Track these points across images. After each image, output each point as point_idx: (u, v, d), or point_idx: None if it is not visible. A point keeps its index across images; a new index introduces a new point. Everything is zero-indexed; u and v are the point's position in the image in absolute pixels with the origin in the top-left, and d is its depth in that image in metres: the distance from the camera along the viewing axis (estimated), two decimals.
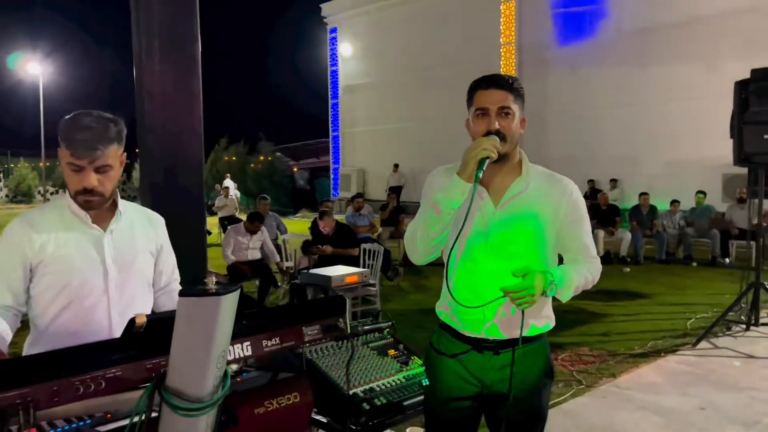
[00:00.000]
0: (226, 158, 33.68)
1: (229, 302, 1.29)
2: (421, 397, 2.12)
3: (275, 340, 1.57)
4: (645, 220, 10.93)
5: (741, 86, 5.35)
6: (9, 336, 1.78)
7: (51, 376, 1.21)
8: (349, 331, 1.73)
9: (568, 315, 6.78)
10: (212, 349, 1.29)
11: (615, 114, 16.66)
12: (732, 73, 5.76)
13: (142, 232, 1.97)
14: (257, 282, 7.06)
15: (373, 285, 6.23)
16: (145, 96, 2.51)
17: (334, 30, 25.15)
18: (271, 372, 1.90)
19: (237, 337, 1.49)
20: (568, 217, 1.89)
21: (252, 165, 32.84)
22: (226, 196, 14.03)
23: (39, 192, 33.55)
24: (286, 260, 7.73)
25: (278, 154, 34.38)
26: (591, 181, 16.04)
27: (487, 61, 18.84)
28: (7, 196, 34.35)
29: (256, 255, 7.17)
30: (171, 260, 2.10)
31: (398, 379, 2.24)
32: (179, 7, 2.35)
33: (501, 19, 18.93)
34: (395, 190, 16.64)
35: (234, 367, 1.95)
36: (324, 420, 2.10)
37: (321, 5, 25.30)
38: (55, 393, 1.21)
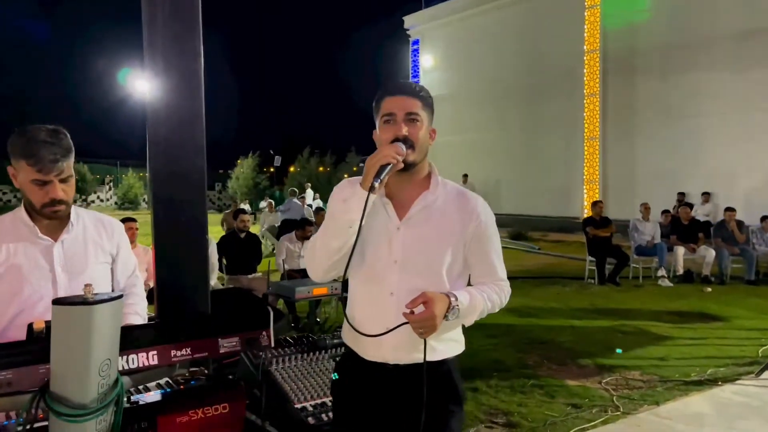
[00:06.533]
0: (320, 169, 34.61)
1: (106, 311, 1.33)
2: None
3: (185, 351, 1.59)
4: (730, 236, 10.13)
5: None
6: None
7: None
8: (272, 344, 1.72)
9: (627, 336, 6.37)
10: (91, 356, 1.33)
11: (709, 123, 15.59)
12: None
13: (95, 240, 2.04)
14: None
15: None
16: (152, 111, 2.63)
17: (416, 42, 25.28)
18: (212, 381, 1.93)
19: (141, 345, 1.54)
20: (476, 237, 1.79)
21: (346, 175, 33.65)
22: (270, 210, 15.21)
23: (144, 200, 35.92)
24: None
25: (361, 164, 34.91)
26: (681, 194, 15.07)
27: (571, 70, 18.28)
28: (116, 203, 37.15)
29: None
30: (128, 266, 2.16)
31: None
32: (183, 23, 2.44)
33: (585, 26, 18.27)
34: None
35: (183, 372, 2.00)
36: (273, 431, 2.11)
37: (404, 17, 25.54)
38: None
